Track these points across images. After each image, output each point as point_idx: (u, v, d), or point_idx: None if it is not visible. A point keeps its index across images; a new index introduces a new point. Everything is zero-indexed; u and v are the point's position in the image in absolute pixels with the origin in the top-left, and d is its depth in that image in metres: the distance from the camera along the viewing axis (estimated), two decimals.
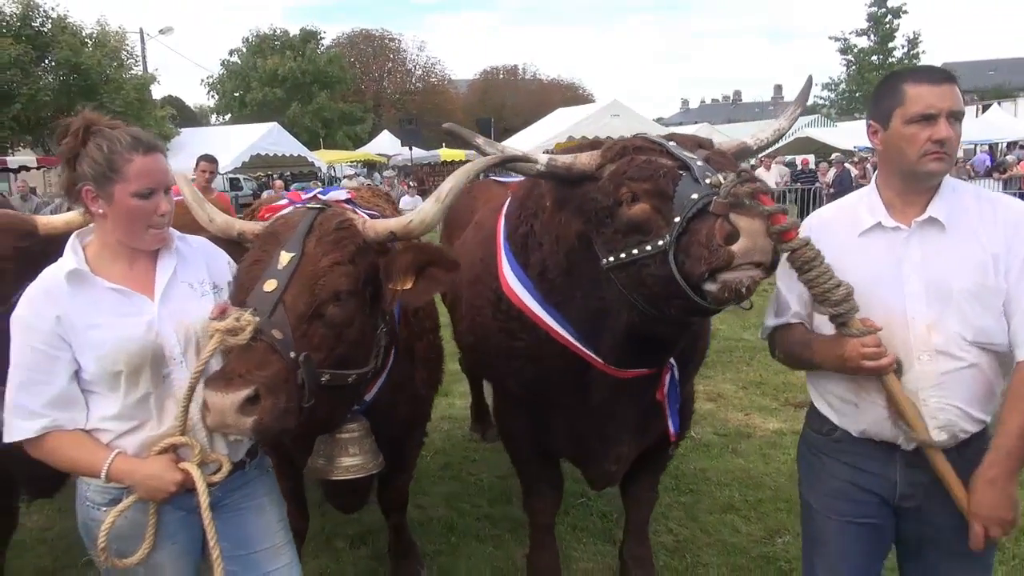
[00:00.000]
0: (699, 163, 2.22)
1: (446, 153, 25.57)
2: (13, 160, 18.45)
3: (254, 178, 28.29)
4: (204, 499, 1.95)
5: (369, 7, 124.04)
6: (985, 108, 34.54)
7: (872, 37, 43.61)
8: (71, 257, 2.04)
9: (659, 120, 41.70)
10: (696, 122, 46.20)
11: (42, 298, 1.98)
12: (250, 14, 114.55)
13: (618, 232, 2.38)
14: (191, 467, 1.97)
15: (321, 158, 27.20)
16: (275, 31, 34.37)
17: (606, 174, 2.43)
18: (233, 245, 2.39)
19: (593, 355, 2.78)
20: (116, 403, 2.00)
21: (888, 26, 43.10)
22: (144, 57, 28.66)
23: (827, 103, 45.48)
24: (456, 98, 47.18)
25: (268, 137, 24.79)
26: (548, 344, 2.86)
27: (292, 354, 1.94)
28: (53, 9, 23.16)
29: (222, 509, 2.13)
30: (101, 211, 2.03)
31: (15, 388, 1.96)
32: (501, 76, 52.16)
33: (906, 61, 42.82)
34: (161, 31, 30.89)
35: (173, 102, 29.00)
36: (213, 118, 38.33)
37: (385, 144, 29.73)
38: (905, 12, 42.71)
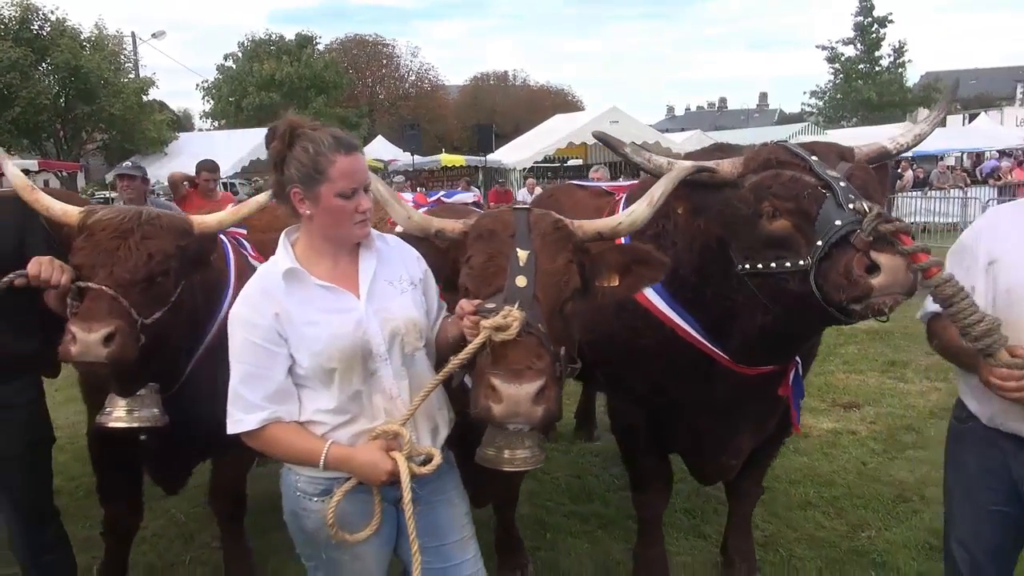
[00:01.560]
0: (842, 184, 2.31)
1: (446, 158, 25.62)
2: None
3: (251, 183, 28.11)
4: (407, 492, 2.01)
5: (356, 12, 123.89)
6: (972, 117, 35.16)
7: (859, 46, 44.14)
8: (285, 256, 2.12)
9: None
10: (683, 128, 46.59)
11: (261, 296, 2.05)
12: (236, 19, 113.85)
13: (756, 243, 2.48)
14: (399, 457, 2.03)
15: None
16: (270, 36, 34.33)
17: (747, 184, 2.53)
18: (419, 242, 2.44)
19: (720, 352, 2.89)
20: (333, 398, 2.07)
21: (874, 35, 43.65)
22: (136, 61, 28.47)
23: (815, 111, 45.97)
24: (448, 103, 47.25)
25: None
26: (674, 342, 2.95)
27: (551, 347, 2.02)
28: (52, 12, 23.01)
29: (415, 502, 2.19)
30: (308, 212, 2.10)
31: (238, 382, 2.03)
32: (492, 82, 52.29)
33: (892, 69, 43.45)
34: (154, 35, 30.72)
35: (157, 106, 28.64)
36: (199, 122, 38.12)
37: (380, 149, 29.68)
38: (891, 21, 43.24)
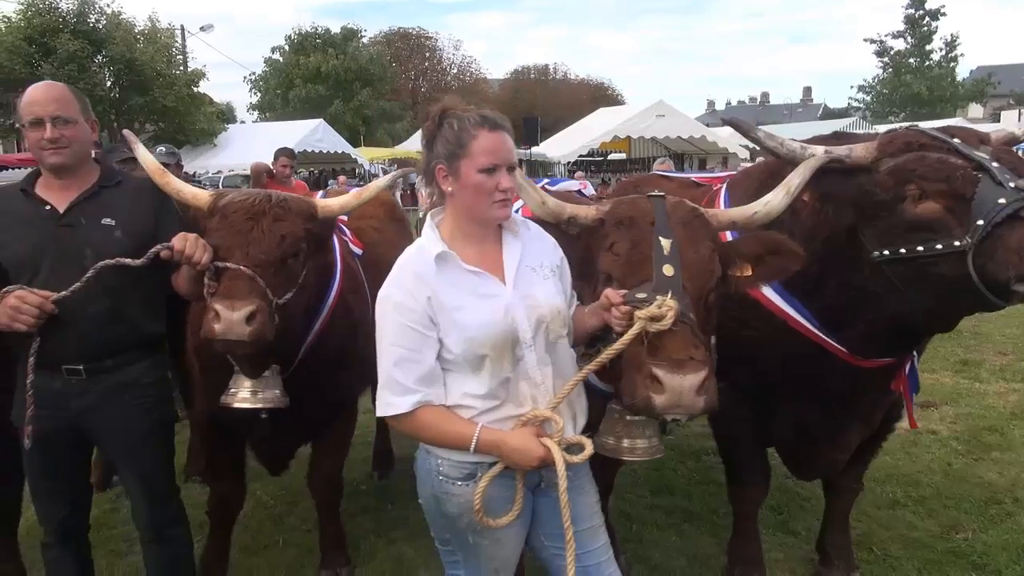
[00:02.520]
0: (995, 164, 2.27)
1: None
2: None
3: (296, 174, 28.46)
4: (563, 480, 1.99)
5: (388, 6, 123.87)
6: None
7: (909, 39, 43.22)
8: (434, 239, 2.12)
9: None
10: (724, 123, 45.72)
11: (414, 279, 2.05)
12: (277, 13, 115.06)
13: (897, 227, 2.43)
14: (552, 444, 2.02)
15: (363, 155, 27.35)
16: (316, 29, 34.67)
17: (884, 168, 2.48)
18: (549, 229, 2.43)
19: (836, 345, 2.84)
20: (483, 383, 2.07)
21: (926, 28, 42.72)
22: (185, 54, 28.95)
23: (862, 106, 45.13)
24: (490, 97, 47.31)
25: (315, 134, 24.99)
26: (784, 333, 2.90)
27: (703, 337, 2.01)
28: (108, 5, 23.50)
29: (550, 489, 2.18)
30: (449, 189, 2.10)
31: (391, 365, 2.03)
32: (532, 75, 52.19)
33: (944, 64, 42.47)
34: (202, 28, 31.22)
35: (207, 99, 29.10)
36: (245, 114, 38.66)
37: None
38: (943, 14, 42.34)
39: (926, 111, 39.04)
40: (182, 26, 29.17)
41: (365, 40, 37.05)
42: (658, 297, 1.99)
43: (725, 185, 3.53)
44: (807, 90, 74.54)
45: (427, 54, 44.53)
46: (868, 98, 45.21)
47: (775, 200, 2.44)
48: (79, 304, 2.47)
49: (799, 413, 3.14)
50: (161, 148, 6.94)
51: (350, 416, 3.61)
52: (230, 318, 2.34)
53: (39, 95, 2.57)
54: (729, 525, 3.70)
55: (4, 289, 2.44)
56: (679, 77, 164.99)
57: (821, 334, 2.85)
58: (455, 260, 2.09)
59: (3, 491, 3.17)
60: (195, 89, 25.45)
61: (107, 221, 2.59)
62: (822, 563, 3.65)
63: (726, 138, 26.77)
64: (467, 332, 2.03)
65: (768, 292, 2.92)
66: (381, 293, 2.10)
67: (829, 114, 58.86)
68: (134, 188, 2.74)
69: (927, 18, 42.52)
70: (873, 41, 43.93)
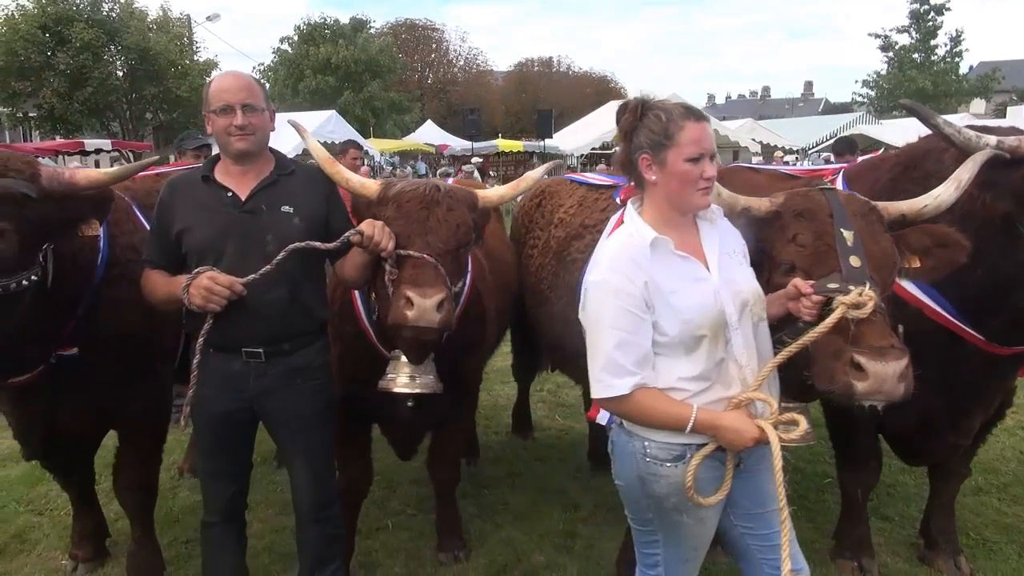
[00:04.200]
0: None
1: (503, 143, 25.68)
2: (90, 143, 18.66)
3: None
4: (778, 460, 2.06)
5: None
6: None
7: (914, 34, 43.23)
8: (642, 225, 2.20)
9: None
10: (724, 117, 45.85)
11: (631, 265, 2.12)
12: (271, 2, 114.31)
13: None
14: (766, 425, 2.09)
15: (374, 146, 27.32)
16: (325, 20, 34.60)
17: None
18: None
19: (973, 332, 2.92)
20: (697, 364, 2.14)
21: (930, 23, 42.73)
22: (191, 43, 28.84)
23: (866, 100, 45.16)
24: (495, 89, 47.26)
25: (327, 125, 24.81)
26: (918, 321, 2.96)
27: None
28: None
29: (741, 468, 2.26)
30: (653, 178, 2.18)
31: (612, 348, 2.09)
32: (536, 68, 52.11)
33: (948, 59, 42.52)
34: (208, 18, 31.05)
35: None
36: None
37: (430, 134, 29.83)
38: (948, 9, 42.27)
39: (931, 106, 39.11)
40: (188, 15, 29.13)
41: (372, 31, 37.00)
42: (850, 287, 2.09)
43: (841, 178, 3.60)
44: (808, 84, 74.77)
45: (433, 45, 44.49)
46: (872, 93, 45.21)
47: (945, 193, 2.52)
48: (262, 289, 2.54)
49: (926, 400, 3.21)
50: (199, 135, 6.95)
51: (474, 402, 3.69)
52: (423, 305, 2.40)
53: (230, 83, 2.64)
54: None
55: (195, 270, 2.50)
56: (679, 70, 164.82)
57: (959, 322, 2.93)
58: (668, 245, 2.16)
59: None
60: (207, 79, 25.37)
61: (286, 208, 2.66)
62: (928, 547, 3.74)
63: (734, 131, 26.81)
64: (684, 315, 2.10)
65: (902, 281, 3.00)
66: (594, 279, 2.17)
67: (831, 108, 58.90)
68: (306, 176, 2.80)
69: (932, 13, 42.51)
70: (877, 36, 43.92)
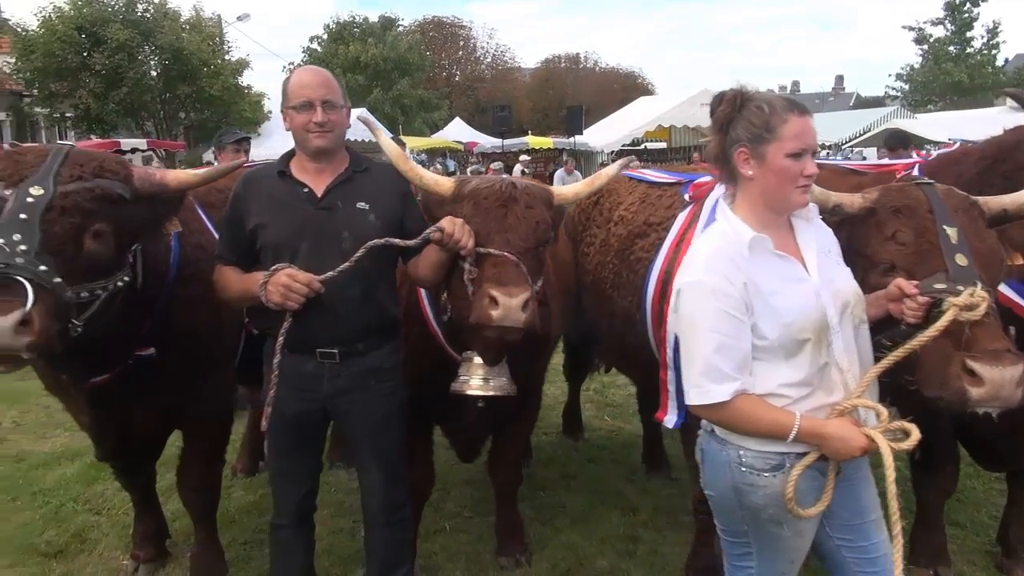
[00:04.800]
0: None
1: (534, 140, 25.58)
2: (126, 143, 18.86)
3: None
4: (891, 471, 1.96)
5: None
6: None
7: (949, 26, 42.42)
8: (738, 223, 2.11)
9: None
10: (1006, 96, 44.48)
11: (729, 265, 2.03)
12: (300, 2, 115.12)
13: None
14: (876, 434, 1.99)
15: (406, 143, 27.35)
16: (355, 18, 34.74)
17: None
18: None
19: None
20: (800, 369, 2.04)
21: (966, 15, 41.90)
22: (222, 43, 29.05)
23: (899, 94, 44.42)
24: (522, 85, 47.17)
25: (358, 123, 24.85)
26: (1008, 321, 2.87)
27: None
28: None
29: (840, 478, 2.15)
30: (750, 172, 2.09)
31: (710, 352, 2.00)
32: (563, 64, 51.92)
33: (984, 51, 41.68)
34: (239, 18, 31.28)
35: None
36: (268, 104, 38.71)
37: (458, 132, 29.82)
38: (984, 0, 41.48)
39: (964, 99, 38.37)
40: (219, 15, 29.34)
41: (401, 29, 37.08)
42: (959, 287, 1.99)
43: (918, 172, 3.49)
44: (839, 78, 73.46)
45: (461, 43, 44.51)
46: (905, 86, 44.47)
47: None
48: (338, 287, 2.49)
49: None
50: (237, 130, 6.97)
51: (537, 404, 3.63)
52: (508, 304, 2.34)
53: (311, 79, 2.61)
54: None
55: (273, 267, 2.46)
56: (707, 65, 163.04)
57: None
58: (766, 244, 2.07)
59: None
60: (240, 79, 25.56)
61: (361, 205, 2.62)
62: (1006, 555, 3.62)
63: None
64: (785, 317, 2.01)
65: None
66: (688, 279, 2.08)
67: (862, 103, 57.92)
68: (380, 173, 2.77)
69: (967, 4, 41.68)
70: (912, 28, 43.16)
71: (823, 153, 22.93)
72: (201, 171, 2.70)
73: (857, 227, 2.41)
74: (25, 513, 4.29)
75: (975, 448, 3.44)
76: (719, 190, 3.27)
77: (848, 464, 2.15)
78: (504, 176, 2.79)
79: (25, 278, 2.00)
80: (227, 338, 3.18)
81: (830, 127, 31.63)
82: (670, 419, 3.18)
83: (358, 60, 31.76)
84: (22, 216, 2.12)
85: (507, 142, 24.26)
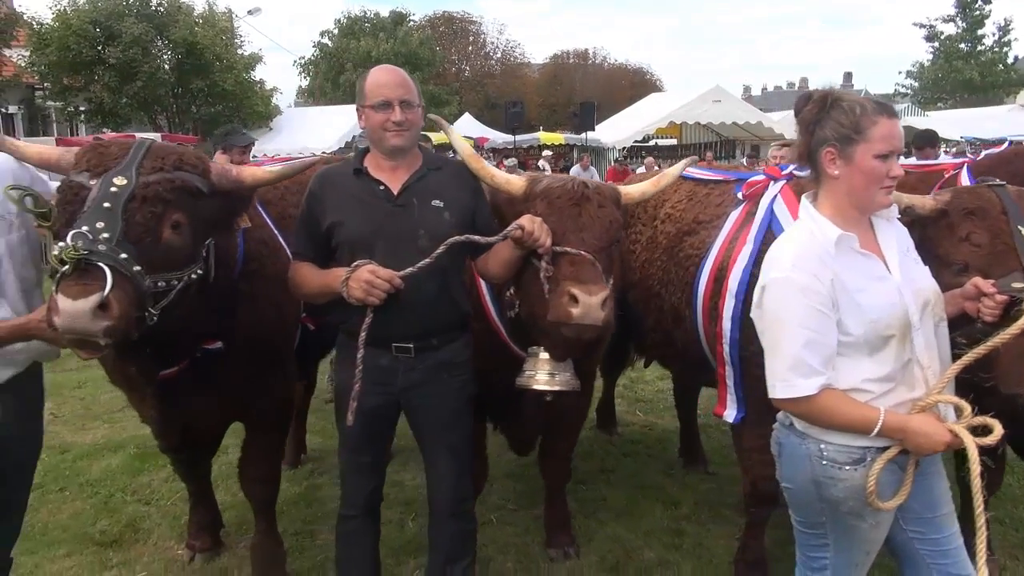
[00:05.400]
0: None
1: (545, 136, 25.60)
2: (141, 136, 18.90)
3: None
4: (975, 465, 1.99)
5: None
6: None
7: (960, 23, 42.27)
8: (824, 221, 2.15)
9: None
10: (762, 109, 44.87)
11: (817, 262, 2.08)
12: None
13: None
14: (960, 429, 2.03)
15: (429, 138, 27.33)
16: (365, 13, 34.74)
17: None
18: None
19: None
20: (884, 366, 2.09)
21: (977, 12, 41.75)
22: (235, 37, 29.08)
23: (909, 91, 44.28)
24: (531, 81, 47.11)
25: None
26: None
27: None
28: None
29: (918, 471, 2.18)
30: (836, 172, 2.14)
31: (800, 347, 2.04)
32: (571, 60, 51.84)
33: (996, 49, 41.52)
34: (250, 12, 31.32)
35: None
36: (288, 99, 38.82)
37: (468, 127, 29.80)
38: None
39: (975, 97, 38.29)
40: (230, 9, 29.37)
41: (411, 25, 37.06)
42: None
43: (967, 172, 3.53)
44: (847, 75, 72.93)
45: (471, 38, 44.48)
46: (915, 84, 44.33)
47: None
48: (415, 283, 2.53)
49: None
50: (243, 130, 7.00)
51: (588, 399, 3.68)
52: (589, 302, 2.38)
53: (388, 78, 2.64)
54: None
55: (354, 264, 2.51)
56: (715, 62, 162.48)
57: None
58: (852, 243, 2.12)
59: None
60: (252, 73, 25.61)
61: (436, 203, 2.66)
62: None
63: (778, 123, 26.49)
64: (871, 314, 2.06)
65: None
66: (775, 276, 2.12)
67: None
68: (454, 172, 2.81)
69: (979, 1, 41.52)
70: (922, 25, 43.02)
71: None
72: (276, 168, 2.73)
73: (928, 228, 2.45)
74: (75, 503, 4.35)
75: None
76: (774, 188, 3.34)
77: (925, 458, 2.19)
78: (572, 175, 2.82)
79: (106, 264, 2.04)
80: (288, 332, 3.24)
81: None
82: (729, 413, 3.23)
83: (369, 55, 31.75)
84: (106, 205, 2.16)
85: (519, 138, 24.24)
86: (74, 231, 2.09)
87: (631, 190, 2.89)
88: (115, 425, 5.66)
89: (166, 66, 23.32)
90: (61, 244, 2.06)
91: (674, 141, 29.77)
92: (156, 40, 23.00)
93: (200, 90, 24.07)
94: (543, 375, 2.80)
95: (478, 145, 27.77)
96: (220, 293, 2.75)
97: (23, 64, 22.87)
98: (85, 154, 2.35)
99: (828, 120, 2.13)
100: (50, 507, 4.28)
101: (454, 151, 3.13)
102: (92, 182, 2.24)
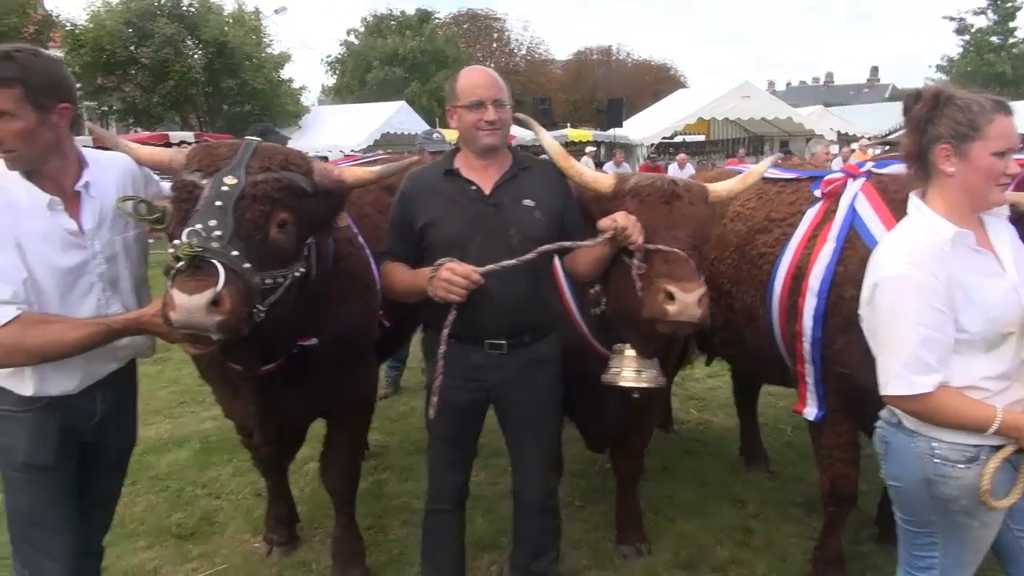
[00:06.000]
0: None
1: (573, 133, 25.54)
2: (174, 135, 19.17)
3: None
4: None
5: None
6: None
7: (991, 16, 41.63)
8: (936, 218, 2.15)
9: None
10: (789, 104, 44.28)
11: (934, 260, 2.08)
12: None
13: None
14: None
15: (445, 136, 27.44)
16: (392, 11, 34.95)
17: None
18: None
19: None
20: (1000, 363, 2.09)
21: (1008, 5, 41.09)
22: (264, 36, 29.34)
23: None
24: (555, 78, 47.08)
25: (397, 116, 25.16)
26: None
27: None
28: None
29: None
30: (951, 170, 2.13)
31: (917, 344, 2.05)
32: (595, 56, 51.71)
33: None
34: (276, 11, 31.69)
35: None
36: (314, 96, 39.03)
37: None
38: None
39: (1010, 91, 37.70)
40: (257, 8, 29.66)
41: (437, 22, 37.18)
42: None
43: None
44: (874, 70, 72.16)
45: (495, 35, 44.52)
46: (946, 78, 43.70)
47: None
48: (508, 282, 2.56)
49: None
50: (277, 130, 7.03)
51: (665, 396, 3.69)
52: (686, 300, 2.39)
53: (482, 79, 2.68)
54: None
55: (436, 262, 2.54)
56: (739, 57, 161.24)
57: None
58: (968, 240, 2.12)
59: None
60: (282, 72, 25.89)
61: (527, 202, 2.69)
62: None
63: (805, 117, 26.28)
64: (989, 312, 2.06)
65: None
66: (889, 273, 2.12)
67: (898, 95, 56.92)
68: (544, 171, 2.83)
69: None
70: (952, 18, 42.42)
71: (856, 145, 22.52)
72: (376, 169, 2.77)
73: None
74: (148, 496, 4.43)
75: None
76: (854, 186, 3.33)
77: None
78: (661, 173, 2.84)
79: (219, 261, 2.09)
80: (372, 329, 3.28)
81: (869, 119, 31.31)
82: (809, 411, 3.23)
83: (396, 53, 31.93)
84: (217, 203, 2.21)
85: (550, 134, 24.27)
86: (189, 228, 2.14)
87: (719, 188, 2.89)
88: (176, 420, 5.75)
89: (198, 65, 23.60)
90: (176, 241, 2.12)
91: (702, 137, 29.63)
92: (187, 40, 23.31)
93: (231, 89, 24.37)
94: (630, 372, 2.82)
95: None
96: (317, 290, 2.80)
97: None
98: (196, 154, 2.40)
99: (942, 118, 2.13)
100: (124, 500, 4.29)
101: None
102: (204, 181, 2.29)
